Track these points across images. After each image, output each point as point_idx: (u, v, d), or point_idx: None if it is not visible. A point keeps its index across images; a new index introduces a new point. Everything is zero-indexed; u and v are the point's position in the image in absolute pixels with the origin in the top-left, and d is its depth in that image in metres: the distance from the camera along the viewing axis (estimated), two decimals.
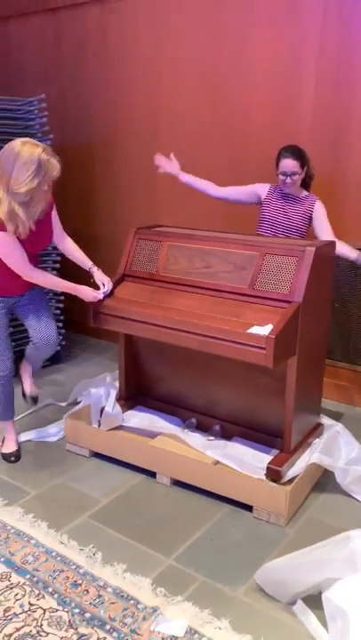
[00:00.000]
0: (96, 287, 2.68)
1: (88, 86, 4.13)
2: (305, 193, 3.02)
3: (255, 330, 2.28)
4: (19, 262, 2.42)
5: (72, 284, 2.62)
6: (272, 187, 3.08)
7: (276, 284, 2.41)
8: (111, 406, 2.94)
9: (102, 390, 3.05)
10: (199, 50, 3.57)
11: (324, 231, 2.95)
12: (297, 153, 2.89)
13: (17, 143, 2.26)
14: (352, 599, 1.63)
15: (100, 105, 4.08)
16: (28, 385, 2.95)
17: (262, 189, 3.11)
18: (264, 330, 2.27)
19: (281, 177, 2.93)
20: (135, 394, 3.11)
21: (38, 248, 2.57)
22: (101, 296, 2.65)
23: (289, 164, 2.87)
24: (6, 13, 4.42)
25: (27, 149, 2.23)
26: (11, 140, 3.62)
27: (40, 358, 2.89)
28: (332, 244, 2.62)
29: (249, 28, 3.36)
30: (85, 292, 2.63)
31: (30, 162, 2.21)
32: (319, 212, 2.96)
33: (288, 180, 2.90)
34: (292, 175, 2.89)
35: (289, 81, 3.30)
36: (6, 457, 2.80)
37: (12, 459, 2.79)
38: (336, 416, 3.14)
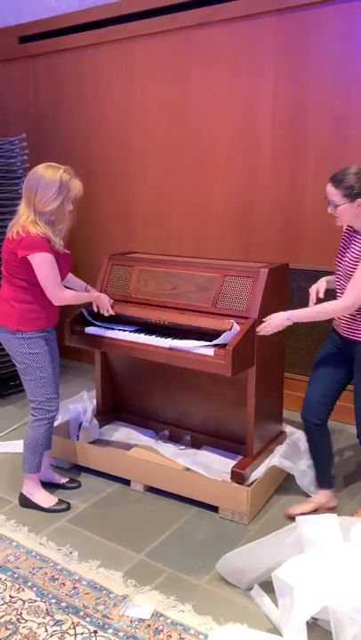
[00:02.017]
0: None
1: (65, 126, 4.43)
2: None
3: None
4: (57, 284, 2.46)
5: (93, 294, 2.76)
6: (346, 228, 2.46)
7: (234, 302, 2.65)
8: (88, 421, 3.14)
9: (80, 406, 3.25)
10: (166, 92, 3.89)
11: (354, 281, 2.27)
12: (338, 178, 2.28)
13: (40, 167, 2.42)
14: (297, 575, 1.83)
15: (76, 143, 4.37)
16: (57, 475, 2.88)
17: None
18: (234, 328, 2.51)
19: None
20: (112, 409, 3.32)
21: (62, 275, 2.56)
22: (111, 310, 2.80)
23: (327, 190, 2.31)
24: None
25: (49, 171, 2.39)
26: None
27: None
28: (284, 266, 2.86)
29: (212, 73, 3.69)
30: (103, 300, 2.77)
31: (52, 182, 2.37)
32: None
33: (329, 208, 2.35)
34: (335, 206, 2.31)
35: (249, 119, 3.61)
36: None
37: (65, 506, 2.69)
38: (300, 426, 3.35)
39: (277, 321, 2.46)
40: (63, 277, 2.59)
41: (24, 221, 2.41)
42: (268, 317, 2.49)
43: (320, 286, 2.56)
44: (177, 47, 3.79)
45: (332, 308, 2.34)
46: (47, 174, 2.40)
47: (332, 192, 2.28)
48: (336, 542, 1.93)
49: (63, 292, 2.50)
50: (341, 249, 2.44)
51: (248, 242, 3.73)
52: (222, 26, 3.61)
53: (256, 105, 3.57)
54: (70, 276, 2.76)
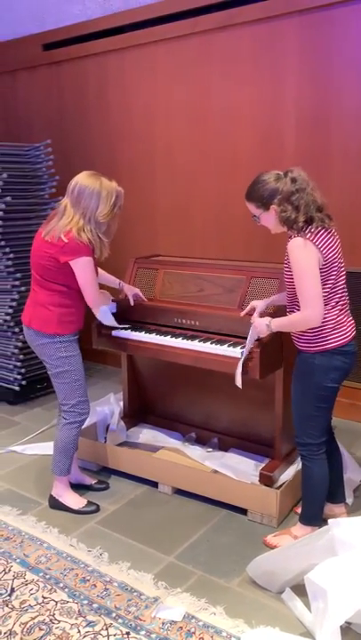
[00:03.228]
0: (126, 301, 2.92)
1: (90, 131, 4.47)
2: (293, 234, 2.18)
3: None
4: (98, 289, 2.52)
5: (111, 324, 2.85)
6: None
7: None
8: (115, 424, 3.16)
9: (107, 409, 3.27)
10: (190, 96, 3.90)
11: (299, 292, 2.14)
12: (249, 193, 2.29)
13: (90, 179, 2.39)
14: (330, 579, 1.81)
15: (101, 148, 4.41)
16: (87, 477, 2.90)
17: None
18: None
19: None
20: (138, 412, 3.33)
21: None
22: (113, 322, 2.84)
23: (247, 206, 2.33)
24: (14, 67, 4.81)
25: (105, 184, 2.40)
26: (21, 182, 3.91)
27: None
28: None
29: (235, 75, 3.69)
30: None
31: (110, 194, 2.40)
32: (289, 255, 2.17)
33: (257, 223, 2.36)
34: (257, 219, 2.32)
35: (272, 121, 3.60)
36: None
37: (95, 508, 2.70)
38: None
39: (261, 326, 2.35)
40: None
41: (69, 226, 2.37)
42: (254, 319, 2.42)
43: (257, 306, 2.49)
44: (199, 50, 3.81)
45: (298, 320, 2.20)
46: (104, 186, 2.39)
47: (250, 207, 2.31)
48: None
49: (99, 297, 2.56)
50: None
51: (272, 244, 3.70)
52: (244, 28, 3.61)
53: (279, 107, 3.57)
54: (102, 272, 2.78)
